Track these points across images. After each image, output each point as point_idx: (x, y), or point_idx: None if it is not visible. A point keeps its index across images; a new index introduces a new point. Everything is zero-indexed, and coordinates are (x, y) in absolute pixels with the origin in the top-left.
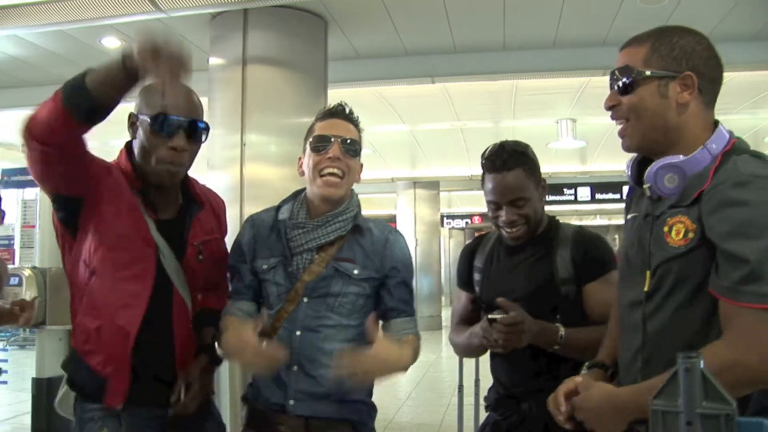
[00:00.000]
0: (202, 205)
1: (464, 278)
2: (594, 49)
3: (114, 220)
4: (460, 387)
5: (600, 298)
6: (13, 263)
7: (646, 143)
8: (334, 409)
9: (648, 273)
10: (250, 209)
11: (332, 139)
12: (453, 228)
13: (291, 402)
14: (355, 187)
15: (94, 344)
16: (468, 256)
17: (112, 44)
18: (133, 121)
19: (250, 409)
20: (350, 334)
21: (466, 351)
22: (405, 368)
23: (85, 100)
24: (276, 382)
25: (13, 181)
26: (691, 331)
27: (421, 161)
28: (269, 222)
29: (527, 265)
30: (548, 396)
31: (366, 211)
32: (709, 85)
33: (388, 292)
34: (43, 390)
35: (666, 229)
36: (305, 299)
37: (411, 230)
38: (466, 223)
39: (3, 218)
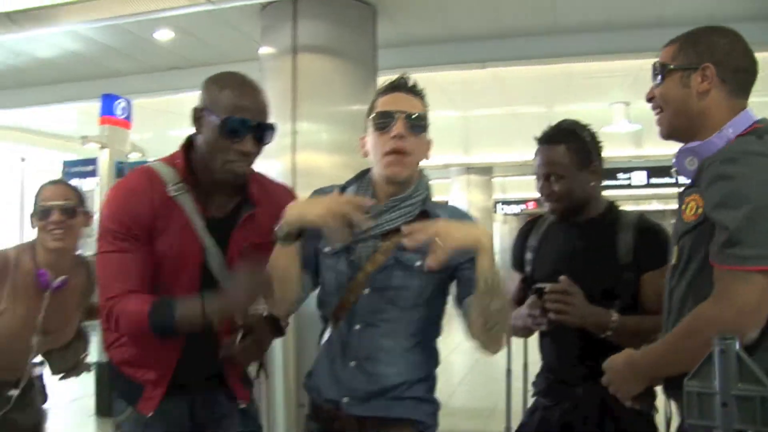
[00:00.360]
0: (255, 205)
1: (517, 258)
2: (647, 31)
3: (163, 248)
4: (509, 371)
5: (657, 289)
6: None
7: (675, 130)
8: (391, 407)
9: (675, 248)
10: (303, 196)
11: (396, 115)
12: (507, 214)
13: (345, 399)
14: None
15: (136, 354)
16: (523, 235)
17: (165, 36)
18: (198, 116)
19: (311, 399)
20: (413, 328)
21: (512, 332)
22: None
23: (168, 332)
24: (331, 377)
25: (73, 172)
26: (702, 300)
27: (474, 147)
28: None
29: (586, 247)
30: (600, 381)
31: None
32: (734, 75)
33: (463, 284)
34: (104, 374)
35: (683, 206)
36: (366, 291)
37: None
38: (521, 209)
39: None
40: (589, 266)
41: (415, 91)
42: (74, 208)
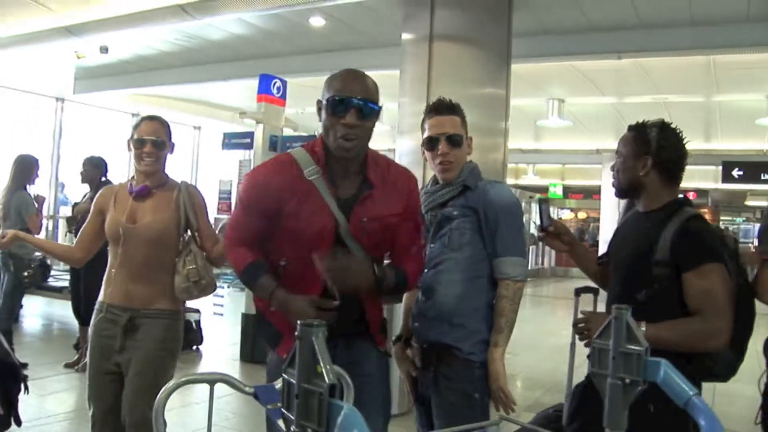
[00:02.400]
0: (373, 185)
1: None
2: None
3: (297, 221)
4: (572, 344)
5: (693, 290)
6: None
7: None
8: (445, 333)
9: None
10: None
11: (439, 141)
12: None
13: (416, 324)
14: (559, 157)
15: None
16: (624, 213)
17: (318, 23)
18: (319, 107)
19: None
20: (461, 265)
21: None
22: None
23: (250, 289)
24: (415, 317)
25: (233, 143)
26: None
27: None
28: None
29: (635, 237)
30: None
31: (570, 181)
32: None
33: (488, 234)
34: (249, 324)
35: None
36: (432, 245)
37: (614, 202)
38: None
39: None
40: (632, 254)
41: (452, 110)
42: (164, 142)
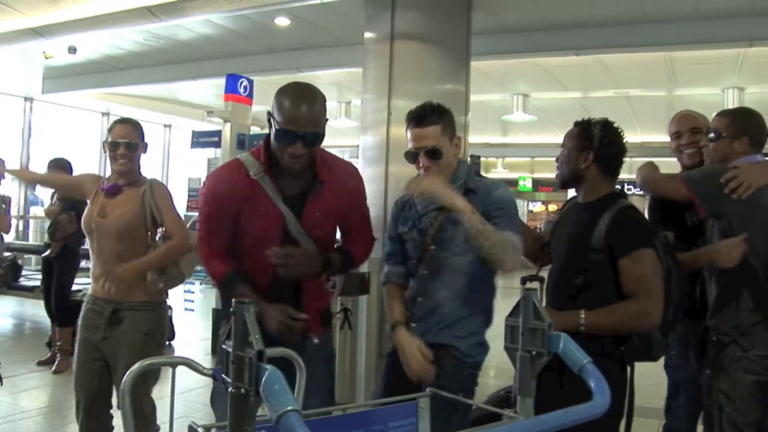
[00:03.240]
0: (323, 182)
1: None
2: (737, 20)
3: (249, 217)
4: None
5: (627, 275)
6: None
7: None
8: (441, 334)
9: None
10: (394, 168)
11: (419, 155)
12: (634, 194)
13: (413, 325)
14: (527, 151)
15: None
16: (561, 209)
17: (284, 23)
18: (269, 120)
19: None
20: (465, 269)
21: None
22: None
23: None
24: (410, 311)
25: (201, 141)
26: None
27: None
28: (402, 202)
29: (574, 226)
30: None
31: (539, 174)
32: None
33: (498, 225)
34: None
35: None
36: (433, 247)
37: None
38: None
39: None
40: (570, 244)
41: (427, 122)
42: (136, 144)
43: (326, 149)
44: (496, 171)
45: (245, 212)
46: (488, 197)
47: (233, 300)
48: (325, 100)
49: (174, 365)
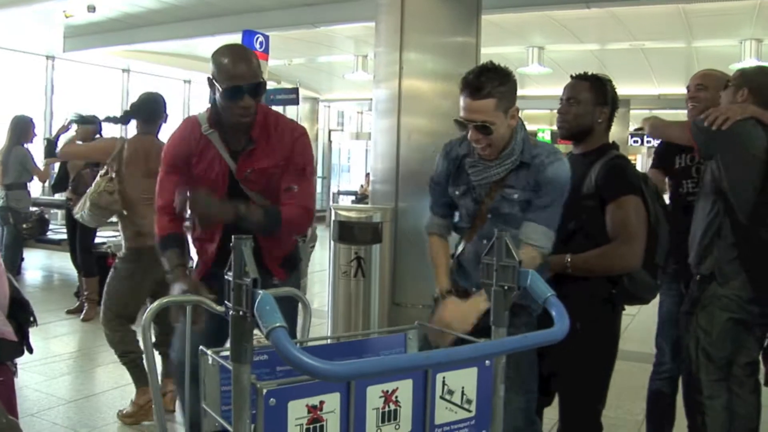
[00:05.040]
0: (255, 141)
1: None
2: None
3: (199, 169)
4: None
5: (611, 219)
6: None
7: None
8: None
9: None
10: (406, 119)
11: (468, 126)
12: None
13: (474, 289)
14: (546, 103)
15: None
16: None
17: None
18: (211, 84)
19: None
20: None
21: None
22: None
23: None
24: (467, 280)
25: None
26: None
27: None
28: (455, 155)
29: (573, 172)
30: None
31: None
32: None
33: (533, 205)
34: None
35: None
36: (489, 216)
37: None
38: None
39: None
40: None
41: (479, 95)
42: None
43: (341, 101)
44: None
45: (196, 164)
46: (540, 173)
47: (233, 237)
48: (256, 57)
49: (189, 303)
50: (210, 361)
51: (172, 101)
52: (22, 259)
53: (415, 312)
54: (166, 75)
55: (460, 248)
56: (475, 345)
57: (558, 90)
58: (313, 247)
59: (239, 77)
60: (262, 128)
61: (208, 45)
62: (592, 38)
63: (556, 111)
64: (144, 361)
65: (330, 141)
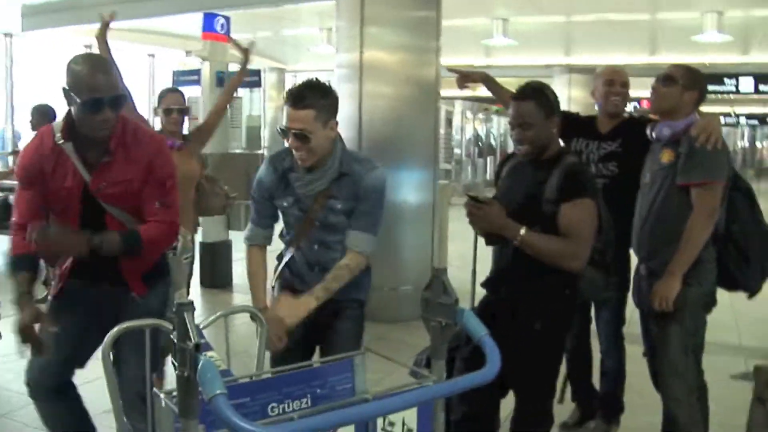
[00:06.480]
0: (112, 153)
1: (495, 181)
2: None
3: (53, 181)
4: (474, 270)
5: (563, 218)
6: None
7: None
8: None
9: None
10: (368, 87)
11: (289, 133)
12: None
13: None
14: (514, 71)
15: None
16: (500, 167)
17: None
18: (66, 96)
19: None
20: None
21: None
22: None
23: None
24: (301, 282)
25: (182, 80)
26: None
27: (576, 49)
28: (281, 169)
29: (529, 181)
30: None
31: None
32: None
33: (355, 213)
34: (206, 252)
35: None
36: (317, 223)
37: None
38: (634, 107)
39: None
40: (524, 199)
41: (299, 105)
42: (187, 109)
43: (308, 72)
44: (482, 89)
45: (51, 176)
46: (359, 183)
47: (176, 303)
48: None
49: (146, 328)
50: (163, 404)
51: (136, 77)
52: None
53: (378, 295)
54: (130, 50)
55: (287, 256)
56: (409, 393)
57: (523, 59)
58: (189, 258)
59: (98, 89)
60: (120, 140)
61: (172, 20)
62: (557, 10)
63: (522, 79)
64: None
65: None
